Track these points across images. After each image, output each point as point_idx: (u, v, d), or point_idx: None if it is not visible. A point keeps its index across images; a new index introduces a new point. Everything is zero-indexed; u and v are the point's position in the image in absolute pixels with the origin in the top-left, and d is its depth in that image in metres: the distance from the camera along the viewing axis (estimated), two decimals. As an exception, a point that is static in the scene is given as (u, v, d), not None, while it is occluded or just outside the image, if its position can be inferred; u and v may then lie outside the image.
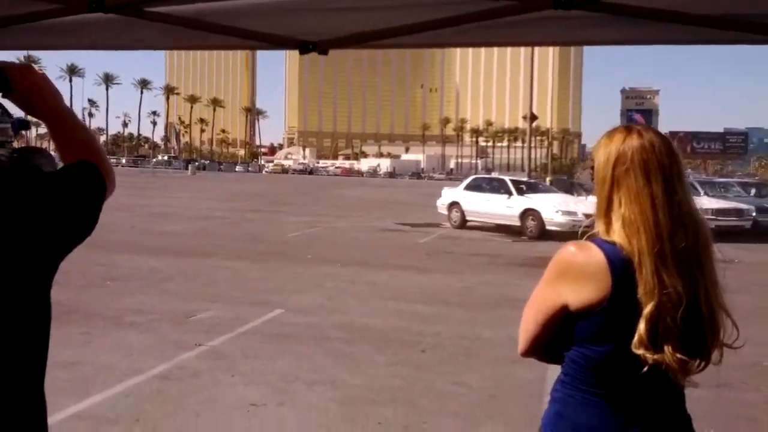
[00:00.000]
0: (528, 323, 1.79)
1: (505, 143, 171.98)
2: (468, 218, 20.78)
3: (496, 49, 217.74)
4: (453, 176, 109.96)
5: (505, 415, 5.33)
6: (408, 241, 17.50)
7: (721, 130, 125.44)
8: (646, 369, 1.60)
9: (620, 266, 1.60)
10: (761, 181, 32.34)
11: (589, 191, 21.69)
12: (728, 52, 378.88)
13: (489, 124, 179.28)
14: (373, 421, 5.04)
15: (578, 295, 1.64)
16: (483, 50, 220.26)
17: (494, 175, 27.89)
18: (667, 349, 1.59)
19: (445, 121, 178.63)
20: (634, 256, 1.60)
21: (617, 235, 1.63)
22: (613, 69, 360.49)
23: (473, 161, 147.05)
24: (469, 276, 12.10)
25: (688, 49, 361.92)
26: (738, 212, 20.90)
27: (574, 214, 18.16)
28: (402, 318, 8.42)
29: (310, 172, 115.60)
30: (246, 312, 8.21)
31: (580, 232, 1.89)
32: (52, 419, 1.43)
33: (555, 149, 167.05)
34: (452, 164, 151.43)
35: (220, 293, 9.49)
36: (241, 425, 4.89)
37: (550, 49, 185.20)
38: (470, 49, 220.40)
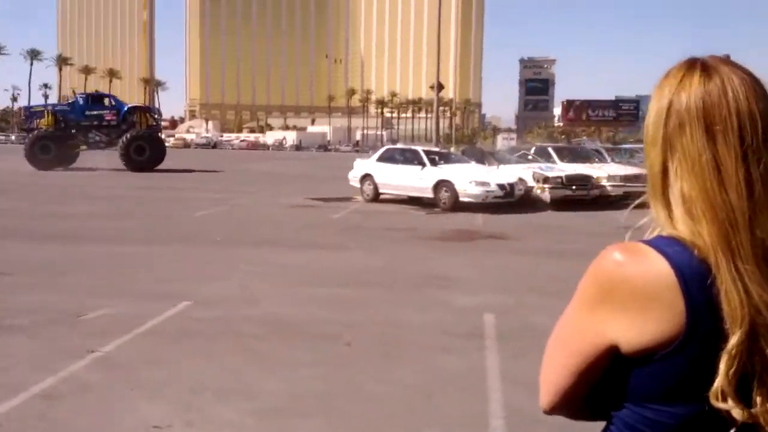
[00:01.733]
0: (554, 368, 1.21)
1: (409, 114, 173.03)
2: (381, 191, 20.27)
3: (399, 20, 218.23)
4: (359, 148, 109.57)
5: (444, 419, 4.76)
6: (321, 217, 16.78)
7: (613, 98, 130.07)
8: None
9: (696, 278, 1.06)
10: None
11: (501, 160, 21.63)
12: (619, 20, 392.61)
13: (394, 95, 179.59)
14: (299, 436, 4.39)
15: (634, 329, 1.10)
16: (387, 20, 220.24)
17: (399, 145, 27.46)
18: (763, 399, 1.06)
19: (351, 93, 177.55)
20: (709, 257, 1.07)
21: (682, 225, 1.11)
22: (513, 39, 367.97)
23: (379, 132, 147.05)
24: (388, 253, 11.54)
25: (583, 19, 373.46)
26: (645, 178, 21.17)
27: (487, 184, 17.97)
28: (321, 306, 7.75)
29: (214, 146, 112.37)
30: (147, 307, 7.33)
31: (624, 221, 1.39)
32: None
33: (457, 119, 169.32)
34: (358, 136, 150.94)
35: (119, 285, 8.54)
36: (141, 453, 4.13)
37: (452, 20, 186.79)
38: (374, 19, 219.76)
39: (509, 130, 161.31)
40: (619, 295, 1.10)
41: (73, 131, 34.21)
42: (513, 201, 18.25)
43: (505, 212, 17.46)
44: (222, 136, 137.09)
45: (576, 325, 1.17)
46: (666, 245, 1.10)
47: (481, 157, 21.83)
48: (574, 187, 19.65)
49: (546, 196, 19.20)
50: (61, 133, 34.02)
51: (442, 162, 19.70)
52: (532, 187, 19.32)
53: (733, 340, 1.04)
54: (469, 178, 18.09)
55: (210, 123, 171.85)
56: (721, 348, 1.05)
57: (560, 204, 18.93)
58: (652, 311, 1.08)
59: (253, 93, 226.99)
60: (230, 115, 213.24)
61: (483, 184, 17.82)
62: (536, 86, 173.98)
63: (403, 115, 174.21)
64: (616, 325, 1.11)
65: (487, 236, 13.85)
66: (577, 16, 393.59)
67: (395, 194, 20.07)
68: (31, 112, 35.90)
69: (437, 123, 39.58)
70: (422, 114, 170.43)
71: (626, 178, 20.86)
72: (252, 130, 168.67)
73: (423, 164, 19.11)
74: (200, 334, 6.51)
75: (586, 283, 1.16)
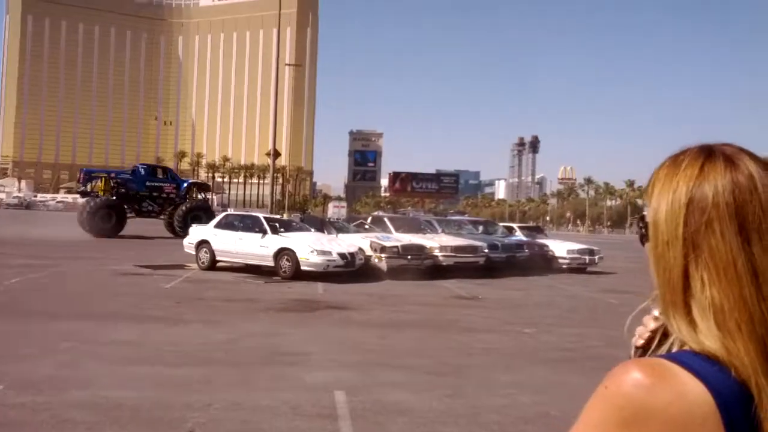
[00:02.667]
0: None
1: (241, 179, 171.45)
2: (218, 258, 19.52)
3: (233, 86, 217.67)
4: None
5: None
6: (152, 285, 15.76)
7: (434, 171, 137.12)
8: None
9: (737, 405, 0.90)
10: (488, 220, 35.05)
11: (341, 229, 21.66)
12: (441, 100, 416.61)
13: (226, 159, 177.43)
14: None
15: None
16: (220, 86, 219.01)
17: (231, 211, 26.97)
18: None
19: (181, 155, 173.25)
20: (749, 380, 0.91)
21: (712, 340, 0.94)
22: (343, 112, 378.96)
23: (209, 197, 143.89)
24: (229, 326, 10.93)
25: (408, 96, 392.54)
26: (473, 249, 22.12)
27: (329, 253, 17.84)
28: (160, 387, 7.08)
29: (27, 206, 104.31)
30: (-50, 394, 6.32)
31: (627, 327, 1.18)
32: None
33: (290, 187, 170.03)
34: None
35: None
36: None
37: (285, 90, 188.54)
38: (207, 83, 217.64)
39: (339, 198, 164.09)
40: (647, 426, 0.90)
41: (133, 195, 35.01)
42: (353, 270, 18.22)
43: (344, 281, 17.36)
44: (36, 196, 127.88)
45: None
46: (698, 364, 0.92)
47: (321, 226, 21.75)
48: (409, 257, 20.02)
49: (383, 265, 19.39)
50: (119, 201, 34.53)
51: (282, 230, 19.37)
52: (370, 256, 19.44)
53: None
54: (311, 247, 17.88)
55: (23, 182, 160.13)
56: None
57: (397, 273, 19.17)
58: None
59: (74, 152, 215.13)
60: (47, 174, 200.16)
61: (325, 253, 17.67)
62: (364, 158, 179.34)
63: (235, 180, 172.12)
64: None
65: (329, 306, 13.61)
66: (403, 94, 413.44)
67: (233, 262, 19.40)
68: (90, 176, 36.33)
69: (273, 189, 39.24)
70: (254, 180, 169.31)
71: (456, 249, 21.64)
72: (69, 191, 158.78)
73: (264, 231, 18.67)
74: (18, 425, 5.66)
75: (598, 408, 0.95)
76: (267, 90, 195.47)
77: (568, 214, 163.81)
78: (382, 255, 19.43)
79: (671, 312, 1.00)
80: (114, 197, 34.97)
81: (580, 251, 25.41)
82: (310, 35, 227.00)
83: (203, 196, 40.18)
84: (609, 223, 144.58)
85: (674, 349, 1.02)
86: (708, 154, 1.01)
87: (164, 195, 36.63)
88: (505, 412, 6.71)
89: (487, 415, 6.57)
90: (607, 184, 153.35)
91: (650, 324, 1.13)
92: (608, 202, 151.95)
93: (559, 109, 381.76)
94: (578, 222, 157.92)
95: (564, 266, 24.48)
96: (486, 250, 22.31)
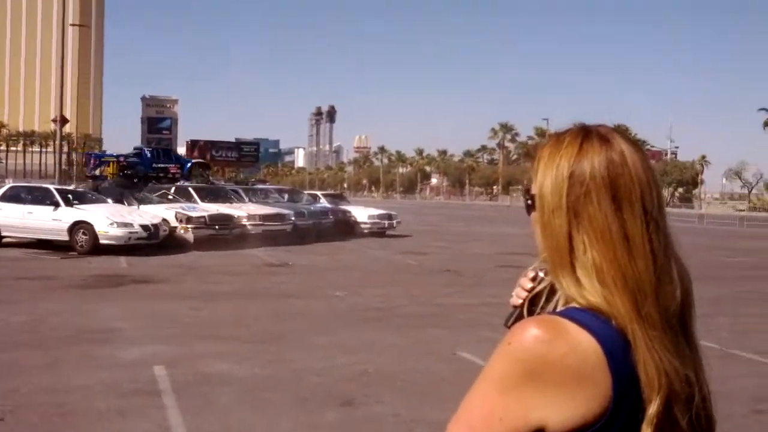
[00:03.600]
0: None
1: (20, 148, 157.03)
2: (4, 234, 17.91)
3: (8, 48, 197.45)
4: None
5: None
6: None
7: (233, 140, 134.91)
8: None
9: (618, 351, 1.04)
10: (294, 188, 35.25)
11: (143, 200, 20.75)
12: (235, 66, 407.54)
13: (1, 125, 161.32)
14: None
15: (563, 410, 1.02)
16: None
17: (9, 182, 24.89)
18: None
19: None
20: (626, 328, 1.05)
21: (595, 295, 1.07)
22: (134, 77, 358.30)
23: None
24: (28, 306, 10.20)
25: (205, 63, 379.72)
26: (281, 217, 22.25)
27: (130, 225, 17.11)
28: (-43, 375, 6.54)
29: None
30: None
31: (523, 293, 1.26)
32: None
33: (77, 156, 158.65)
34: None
35: None
36: None
37: (69, 52, 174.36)
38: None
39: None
40: (548, 375, 1.02)
41: (136, 181, 31.85)
42: (157, 242, 17.61)
43: (148, 254, 16.75)
44: None
45: (491, 410, 1.04)
46: (585, 318, 1.05)
47: (120, 197, 20.67)
48: (217, 227, 19.73)
49: (190, 236, 18.94)
50: (129, 182, 31.19)
51: (77, 202, 18.17)
52: (176, 228, 18.89)
53: (652, 409, 1.03)
54: (110, 219, 16.99)
55: None
56: (642, 419, 1.04)
57: (204, 244, 18.82)
58: (583, 390, 1.02)
59: None
60: None
61: (126, 225, 16.89)
62: (159, 124, 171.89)
63: (13, 148, 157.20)
64: (544, 407, 1.02)
65: (134, 281, 13.11)
66: (199, 61, 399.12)
67: (22, 237, 17.94)
68: (100, 161, 35.05)
69: (59, 159, 36.55)
70: (35, 148, 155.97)
71: (265, 217, 21.65)
72: None
73: (56, 204, 17.41)
74: None
75: (503, 362, 1.05)
76: (48, 52, 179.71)
77: (364, 181, 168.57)
78: (189, 226, 18.96)
79: (559, 272, 1.11)
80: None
81: (380, 216, 26.44)
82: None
83: (207, 174, 37.84)
84: (401, 189, 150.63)
85: (560, 305, 1.15)
86: (586, 133, 1.13)
87: (170, 176, 34.59)
88: (326, 374, 6.98)
89: (309, 378, 6.80)
90: (399, 152, 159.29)
91: (527, 284, 1.28)
92: (400, 170, 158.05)
93: (354, 79, 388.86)
94: (373, 188, 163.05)
95: (366, 231, 25.38)
96: (293, 218, 22.52)
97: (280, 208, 23.40)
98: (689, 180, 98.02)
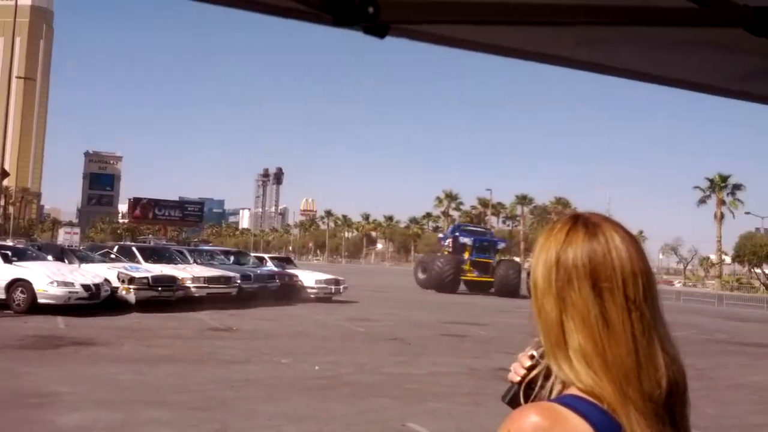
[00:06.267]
0: None
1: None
2: (-66, 292, 17.21)
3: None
4: None
5: None
6: None
7: (177, 199, 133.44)
8: None
9: None
10: (240, 250, 34.87)
11: (84, 258, 20.29)
12: (183, 126, 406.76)
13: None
14: None
15: None
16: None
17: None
18: None
19: None
20: (616, 412, 1.08)
21: (585, 377, 1.10)
22: (78, 132, 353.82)
23: None
24: (-41, 368, 9.80)
25: (150, 120, 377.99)
26: (227, 279, 22.01)
27: (71, 284, 16.68)
28: None
29: None
30: None
31: (517, 378, 1.31)
32: None
33: (13, 210, 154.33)
34: None
35: None
36: None
37: (12, 105, 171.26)
38: None
39: (71, 224, 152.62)
40: None
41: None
42: (98, 302, 17.17)
43: (88, 315, 16.30)
44: None
45: None
46: (582, 406, 1.08)
47: (61, 254, 20.17)
48: (160, 288, 19.36)
49: (132, 297, 18.54)
50: None
51: (15, 258, 17.66)
52: (117, 288, 18.48)
53: None
54: (50, 278, 16.53)
55: None
56: None
57: (146, 305, 18.43)
58: None
59: None
60: None
61: (66, 284, 16.46)
62: (101, 181, 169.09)
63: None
64: None
65: (74, 343, 12.71)
66: (145, 118, 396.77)
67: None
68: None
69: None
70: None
71: (210, 280, 21.39)
72: None
73: (-6, 261, 16.89)
74: None
75: None
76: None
77: (310, 245, 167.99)
78: (131, 286, 18.57)
79: (555, 355, 1.13)
80: None
81: (327, 281, 26.31)
82: (43, 47, 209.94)
83: None
84: (346, 253, 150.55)
85: (555, 389, 1.20)
86: (574, 222, 1.18)
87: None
88: (273, 443, 6.88)
89: (256, 448, 6.69)
90: (345, 216, 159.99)
91: (525, 362, 1.32)
92: (346, 234, 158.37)
93: (302, 143, 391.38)
94: (318, 252, 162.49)
95: (312, 296, 25.19)
96: (239, 281, 22.27)
97: (226, 270, 23.13)
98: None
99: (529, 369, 1.30)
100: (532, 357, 1.31)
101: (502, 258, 38.57)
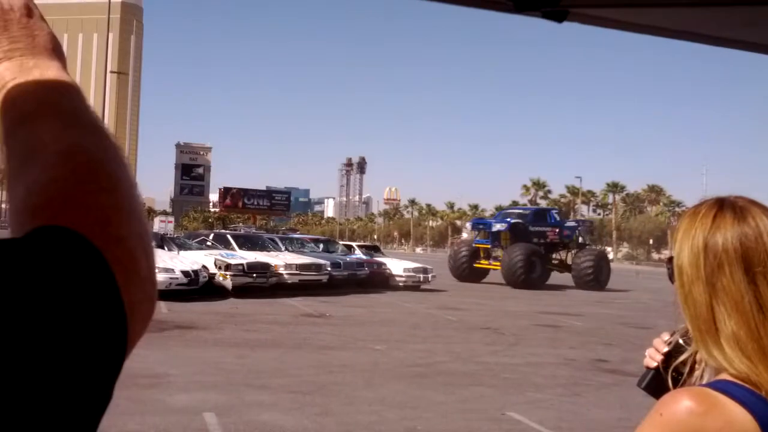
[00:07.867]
0: None
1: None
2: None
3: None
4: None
5: None
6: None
7: (265, 188, 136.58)
8: None
9: None
10: (329, 238, 35.34)
11: (182, 246, 21.05)
12: (272, 115, 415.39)
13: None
14: None
15: None
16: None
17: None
18: None
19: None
20: None
21: (740, 365, 1.06)
22: (169, 123, 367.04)
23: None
24: None
25: (238, 111, 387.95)
26: (318, 267, 22.37)
27: (171, 271, 17.34)
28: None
29: None
30: None
31: (664, 363, 1.27)
32: None
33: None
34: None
35: None
36: None
37: (107, 100, 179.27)
38: None
39: (166, 213, 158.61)
40: None
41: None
42: (197, 288, 17.79)
43: (187, 300, 16.91)
44: None
45: None
46: (738, 392, 1.05)
47: (161, 242, 20.99)
48: (254, 275, 19.87)
49: (228, 283, 19.11)
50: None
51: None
52: (215, 274, 19.09)
53: None
54: (154, 265, 17.23)
55: None
56: None
57: (241, 291, 18.97)
58: None
59: None
60: None
61: (167, 270, 17.10)
62: (193, 171, 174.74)
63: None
64: None
65: (177, 327, 13.22)
66: (233, 109, 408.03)
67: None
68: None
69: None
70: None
71: (301, 267, 21.79)
72: None
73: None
74: None
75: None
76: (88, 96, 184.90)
77: (394, 233, 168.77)
78: (227, 273, 19.15)
79: (705, 342, 1.12)
80: None
81: (415, 270, 26.36)
82: (134, 43, 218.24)
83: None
84: (431, 243, 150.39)
85: (706, 375, 1.18)
86: (720, 206, 1.16)
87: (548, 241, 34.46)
88: (375, 429, 6.94)
89: (359, 432, 6.78)
90: (429, 205, 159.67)
91: (661, 346, 1.30)
92: (431, 223, 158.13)
93: (385, 132, 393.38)
94: (403, 241, 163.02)
95: (401, 284, 25.31)
96: (329, 269, 22.63)
97: (316, 257, 23.52)
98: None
99: (665, 355, 1.28)
100: (669, 343, 1.28)
101: (587, 245, 35.82)
